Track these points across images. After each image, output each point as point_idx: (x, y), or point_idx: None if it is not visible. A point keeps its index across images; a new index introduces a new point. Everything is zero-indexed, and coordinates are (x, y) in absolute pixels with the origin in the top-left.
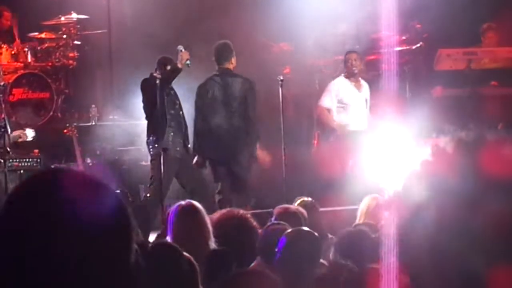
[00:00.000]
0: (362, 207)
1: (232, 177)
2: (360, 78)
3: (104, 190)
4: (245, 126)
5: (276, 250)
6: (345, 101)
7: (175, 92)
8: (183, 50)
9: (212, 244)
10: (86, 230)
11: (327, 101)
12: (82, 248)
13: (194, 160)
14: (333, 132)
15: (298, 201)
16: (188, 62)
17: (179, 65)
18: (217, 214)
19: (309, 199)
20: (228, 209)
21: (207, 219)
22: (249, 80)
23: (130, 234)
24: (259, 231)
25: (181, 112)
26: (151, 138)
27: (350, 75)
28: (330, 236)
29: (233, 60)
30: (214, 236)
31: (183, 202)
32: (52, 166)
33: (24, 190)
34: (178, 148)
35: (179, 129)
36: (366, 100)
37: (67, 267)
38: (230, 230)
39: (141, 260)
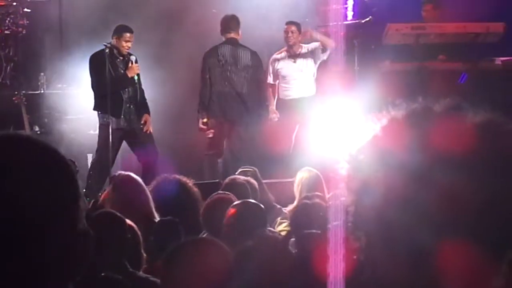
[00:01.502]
0: (300, 179)
1: (236, 138)
2: (299, 49)
3: (52, 155)
4: (257, 91)
5: (224, 222)
6: (282, 73)
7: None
8: (134, 62)
9: (154, 213)
10: (32, 196)
11: (269, 77)
12: (29, 215)
13: (200, 122)
14: (278, 107)
15: (240, 170)
16: (135, 77)
17: (129, 75)
18: (154, 182)
19: (252, 168)
20: (165, 175)
21: (147, 190)
22: (255, 52)
23: (78, 201)
24: (206, 201)
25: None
26: (99, 112)
27: (287, 47)
28: (278, 206)
29: (240, 31)
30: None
31: (121, 173)
32: None
33: None
34: (128, 119)
35: (132, 101)
36: (301, 70)
37: (12, 236)
38: (171, 196)
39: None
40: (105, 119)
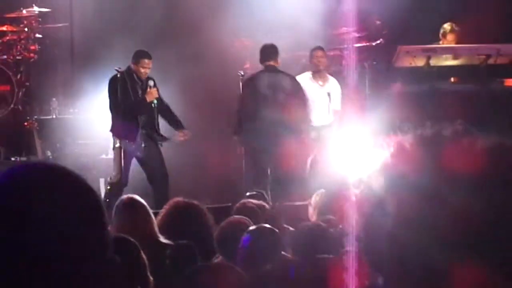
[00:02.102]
0: (314, 202)
1: (273, 167)
2: (326, 74)
3: (81, 183)
4: (300, 114)
5: (240, 247)
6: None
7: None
8: (152, 86)
9: (160, 237)
10: (61, 223)
11: None
12: (59, 242)
13: (238, 149)
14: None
15: (248, 194)
16: (155, 101)
17: (148, 99)
18: (166, 206)
19: (260, 192)
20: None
21: (150, 212)
22: (294, 77)
23: (105, 227)
24: (221, 225)
25: (152, 105)
26: (114, 138)
27: (315, 71)
28: (291, 228)
29: (279, 59)
30: (167, 227)
31: (124, 197)
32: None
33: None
34: (141, 144)
35: (147, 126)
36: (329, 95)
37: (42, 261)
38: (182, 220)
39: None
40: (119, 142)
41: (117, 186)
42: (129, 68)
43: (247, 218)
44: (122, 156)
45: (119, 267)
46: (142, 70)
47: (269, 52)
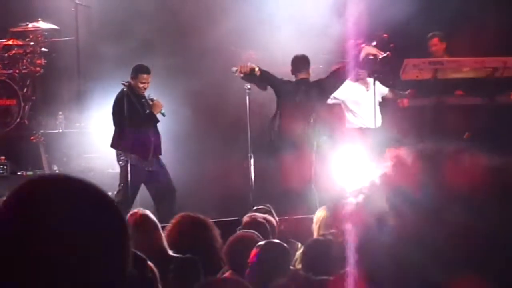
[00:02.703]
0: (318, 218)
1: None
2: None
3: (105, 199)
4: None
5: (249, 262)
6: (352, 98)
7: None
8: (154, 99)
9: (169, 250)
10: (84, 239)
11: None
12: (80, 258)
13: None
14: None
15: (255, 208)
16: (163, 111)
17: (155, 112)
18: (173, 220)
19: (267, 206)
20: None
21: (159, 227)
22: (323, 85)
23: (127, 243)
24: (230, 239)
25: (162, 115)
26: (121, 155)
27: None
28: (297, 243)
29: (310, 70)
30: (174, 242)
31: (134, 212)
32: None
33: (18, 199)
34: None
35: (155, 142)
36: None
37: (64, 277)
38: (188, 235)
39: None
40: (126, 158)
41: (124, 204)
42: (129, 83)
43: (256, 232)
44: (130, 171)
45: (136, 284)
46: (141, 85)
47: (300, 63)
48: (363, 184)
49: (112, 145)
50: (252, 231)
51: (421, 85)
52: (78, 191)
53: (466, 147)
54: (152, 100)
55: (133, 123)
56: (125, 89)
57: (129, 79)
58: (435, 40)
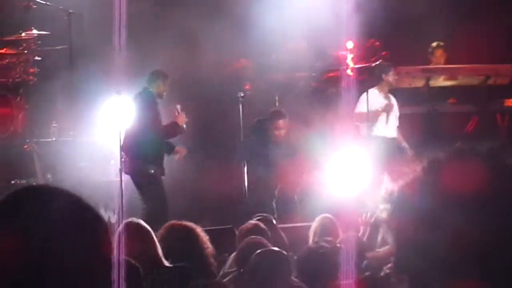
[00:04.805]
0: (314, 227)
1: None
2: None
3: (87, 209)
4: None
5: (247, 269)
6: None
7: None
8: (179, 111)
9: (163, 259)
10: (62, 246)
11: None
12: (64, 269)
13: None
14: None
15: (256, 219)
16: (184, 126)
17: (179, 123)
18: (162, 229)
19: (266, 215)
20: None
21: (153, 236)
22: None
23: (107, 249)
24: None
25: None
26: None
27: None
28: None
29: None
30: (163, 251)
31: (128, 221)
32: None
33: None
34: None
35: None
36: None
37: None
38: (177, 243)
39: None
40: (153, 169)
41: (162, 215)
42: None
43: (264, 239)
44: (157, 181)
45: None
46: (167, 89)
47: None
48: (362, 191)
49: (139, 156)
50: (261, 237)
51: (414, 92)
52: (56, 201)
53: (463, 152)
54: (178, 112)
55: (159, 129)
56: (151, 89)
57: (146, 85)
58: (439, 51)
